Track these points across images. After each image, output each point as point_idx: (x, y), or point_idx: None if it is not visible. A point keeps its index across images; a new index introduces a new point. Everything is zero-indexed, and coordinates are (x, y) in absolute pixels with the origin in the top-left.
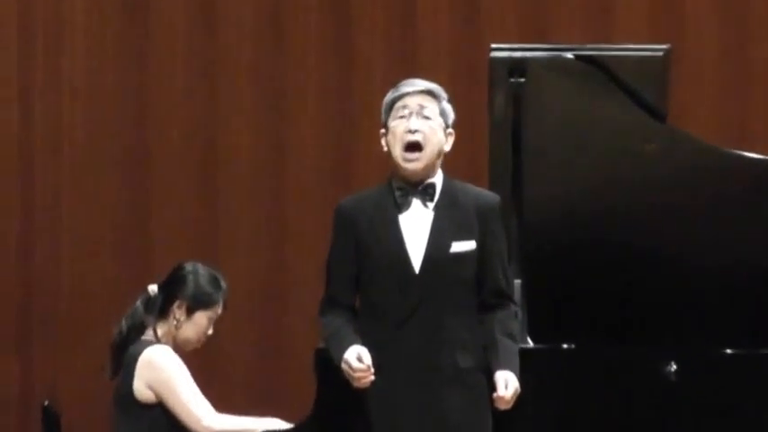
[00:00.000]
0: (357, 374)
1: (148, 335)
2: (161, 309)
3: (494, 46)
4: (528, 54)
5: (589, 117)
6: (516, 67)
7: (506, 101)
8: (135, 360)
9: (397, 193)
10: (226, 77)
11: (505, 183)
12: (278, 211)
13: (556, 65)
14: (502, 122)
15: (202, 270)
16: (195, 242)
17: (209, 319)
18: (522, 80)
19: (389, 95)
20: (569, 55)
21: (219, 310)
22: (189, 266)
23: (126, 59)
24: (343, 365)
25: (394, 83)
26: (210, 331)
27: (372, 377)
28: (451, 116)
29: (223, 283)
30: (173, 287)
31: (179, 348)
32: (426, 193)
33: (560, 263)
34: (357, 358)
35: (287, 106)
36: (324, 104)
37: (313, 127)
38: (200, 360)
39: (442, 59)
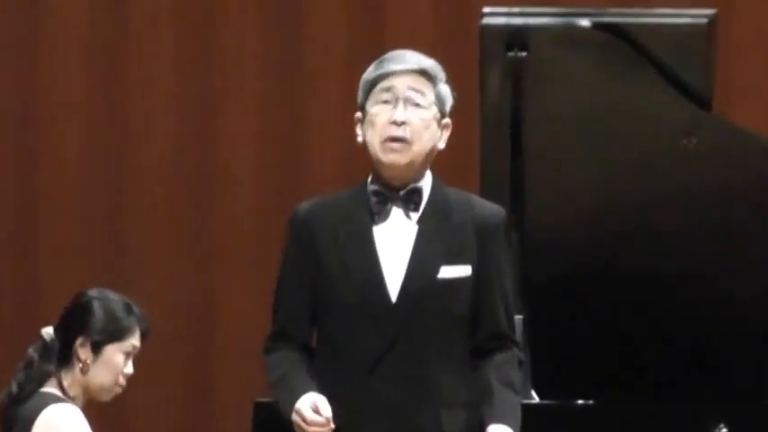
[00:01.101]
0: (312, 429)
1: (51, 386)
2: (61, 354)
3: (486, 10)
4: (530, 21)
5: (611, 104)
6: (515, 38)
7: (502, 83)
8: (30, 422)
9: (373, 199)
10: (142, 77)
11: (501, 191)
12: (202, 222)
13: (567, 36)
14: (496, 112)
15: (108, 295)
16: (96, 268)
17: (125, 354)
18: (523, 55)
19: (371, 72)
20: (585, 22)
21: (137, 342)
22: (91, 293)
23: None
24: (295, 417)
25: (354, 62)
26: (130, 370)
27: None
28: (449, 102)
29: (136, 309)
30: (71, 323)
31: (96, 399)
32: (410, 200)
33: (574, 295)
34: (313, 409)
35: (215, 95)
36: (263, 94)
37: (248, 115)
38: (106, 416)
39: (419, 28)
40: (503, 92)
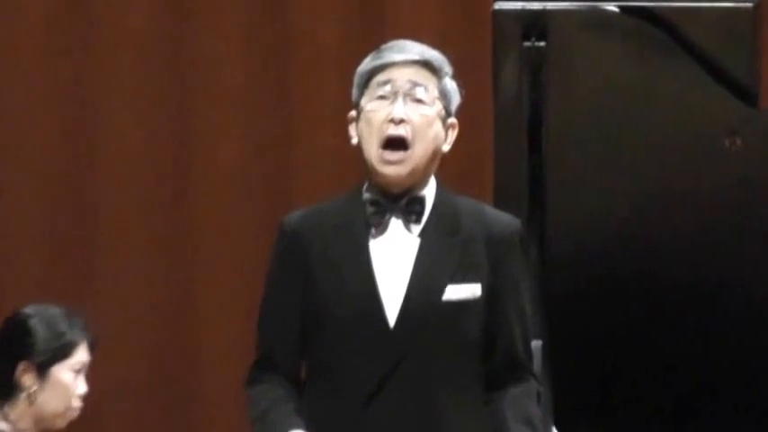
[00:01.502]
0: None
1: None
2: (2, 385)
3: None
4: (550, 5)
5: (643, 100)
6: (533, 25)
7: (518, 77)
8: None
9: (370, 209)
10: (101, 87)
11: (517, 199)
12: (177, 232)
13: (592, 22)
14: (511, 110)
15: (45, 309)
16: (58, 286)
17: (75, 372)
18: (542, 45)
19: (367, 63)
20: (613, 6)
21: (85, 357)
22: (26, 311)
23: None
24: None
25: (348, 55)
26: (83, 389)
27: None
28: (456, 99)
29: (78, 318)
30: (8, 349)
31: (51, 429)
32: (411, 210)
33: (601, 316)
34: None
35: (191, 94)
36: (246, 91)
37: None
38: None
39: (422, 14)
40: (519, 87)
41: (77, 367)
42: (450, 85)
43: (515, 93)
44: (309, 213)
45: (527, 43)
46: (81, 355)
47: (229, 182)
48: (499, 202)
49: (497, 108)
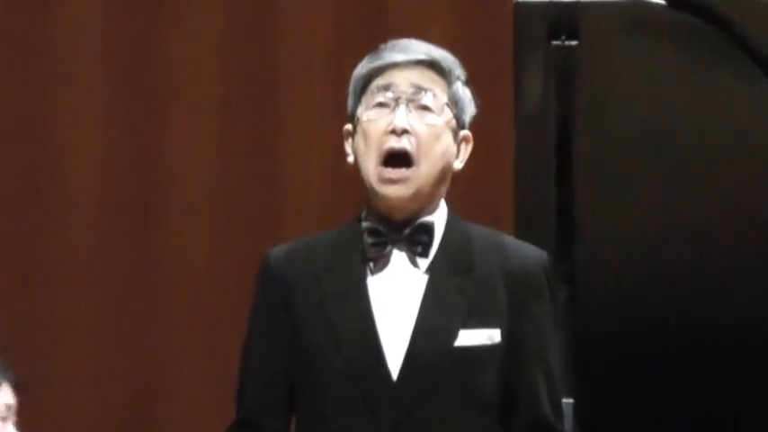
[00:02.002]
0: None
1: None
2: None
3: None
4: None
5: (692, 108)
6: (562, 21)
7: (545, 82)
8: None
9: (369, 240)
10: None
11: (544, 227)
12: (144, 263)
13: (634, 16)
14: (537, 121)
15: None
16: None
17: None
18: (574, 44)
19: (364, 66)
20: None
21: (9, 399)
22: None
23: None
24: None
25: (344, 56)
26: None
27: None
28: (470, 109)
29: None
30: None
31: None
32: (417, 240)
33: (643, 367)
34: None
35: (159, 101)
36: (224, 98)
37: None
38: None
39: (429, 9)
40: (545, 94)
41: (3, 415)
42: (463, 91)
43: (541, 102)
44: (298, 247)
45: (555, 42)
46: (4, 397)
47: (205, 209)
48: (521, 232)
49: (519, 120)
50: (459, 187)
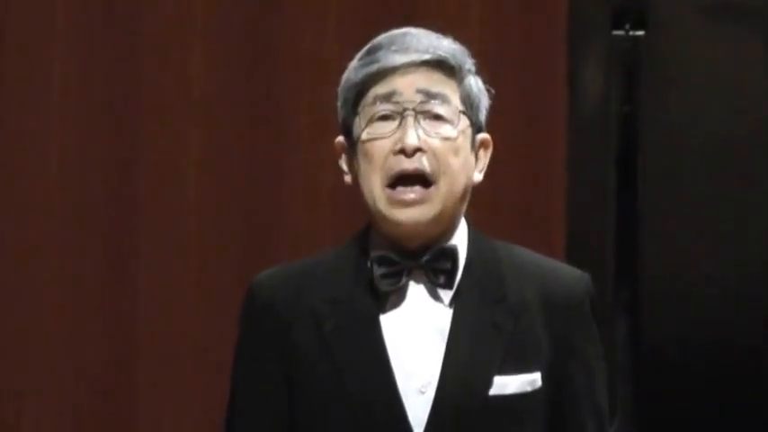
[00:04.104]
0: None
1: None
2: None
3: None
4: None
5: None
6: (627, 7)
7: (606, 77)
8: None
9: (378, 270)
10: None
11: (601, 250)
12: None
13: (710, 3)
14: (594, 122)
15: None
16: None
17: None
18: (640, 34)
19: (356, 70)
20: None
21: None
22: None
23: None
24: None
25: (348, 48)
26: None
27: None
28: (485, 103)
29: None
30: None
31: None
32: (439, 268)
33: (710, 408)
34: None
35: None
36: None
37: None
38: None
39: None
40: (605, 93)
41: None
42: (476, 85)
43: (600, 101)
44: (289, 274)
45: (618, 32)
46: None
47: (195, 228)
48: (573, 255)
49: (574, 123)
50: (502, 201)
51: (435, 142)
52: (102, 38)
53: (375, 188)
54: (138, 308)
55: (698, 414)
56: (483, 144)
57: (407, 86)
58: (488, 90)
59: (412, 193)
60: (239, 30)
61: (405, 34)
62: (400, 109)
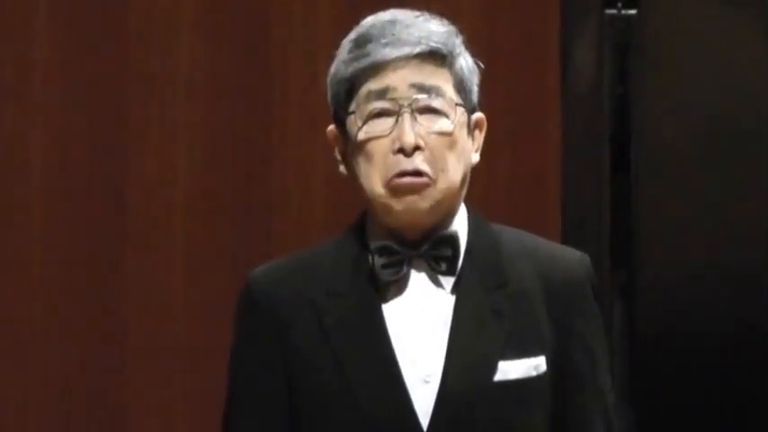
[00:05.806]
0: None
1: None
2: None
3: None
4: None
5: None
6: None
7: (597, 58)
8: None
9: (379, 260)
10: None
11: (596, 230)
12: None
13: None
14: (588, 103)
15: None
16: None
17: None
18: (632, 12)
19: (346, 63)
20: None
21: None
22: None
23: None
24: None
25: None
26: None
27: None
28: (475, 80)
29: None
30: None
31: None
32: (440, 255)
33: (713, 391)
34: None
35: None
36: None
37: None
38: None
39: None
40: (598, 74)
41: None
42: (465, 65)
43: (592, 82)
44: (286, 269)
45: (610, 11)
46: None
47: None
48: (569, 236)
49: (567, 103)
50: (495, 183)
51: (432, 138)
52: (88, 30)
53: (375, 186)
54: (127, 305)
55: (694, 397)
56: (478, 124)
57: (401, 81)
58: (477, 64)
59: (410, 182)
60: (229, 22)
61: (393, 23)
62: (396, 106)
